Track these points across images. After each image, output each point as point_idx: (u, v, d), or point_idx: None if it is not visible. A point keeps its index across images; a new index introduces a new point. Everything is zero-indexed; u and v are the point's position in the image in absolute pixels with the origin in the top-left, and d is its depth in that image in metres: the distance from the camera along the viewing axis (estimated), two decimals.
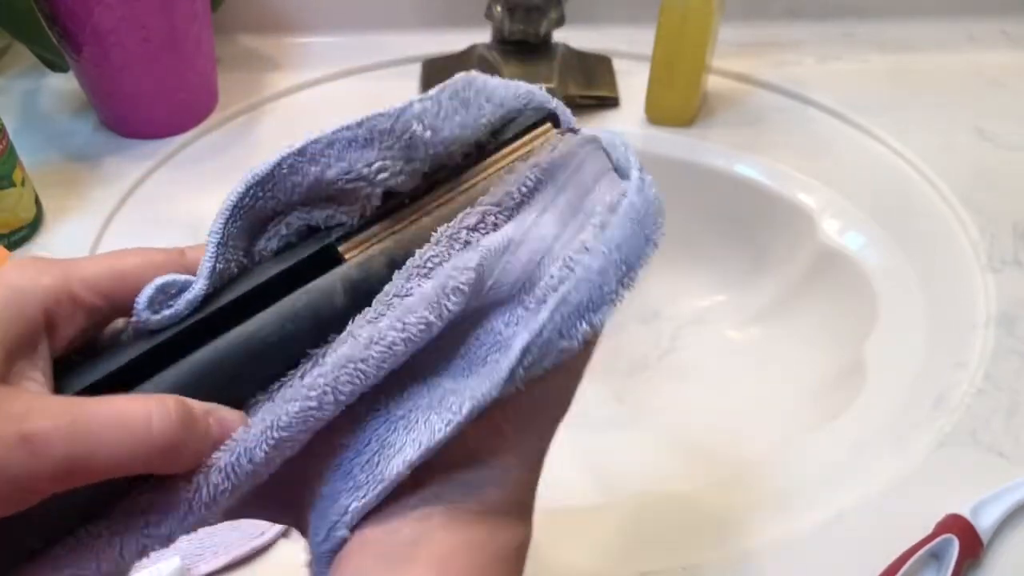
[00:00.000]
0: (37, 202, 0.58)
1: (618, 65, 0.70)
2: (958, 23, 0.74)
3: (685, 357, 0.66)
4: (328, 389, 0.24)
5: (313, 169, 0.27)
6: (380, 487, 0.25)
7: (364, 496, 0.25)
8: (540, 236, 0.27)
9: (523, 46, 0.64)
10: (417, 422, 0.25)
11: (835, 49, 0.72)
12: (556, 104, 0.30)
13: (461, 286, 0.25)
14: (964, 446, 0.46)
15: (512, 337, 0.25)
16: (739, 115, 0.67)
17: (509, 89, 0.29)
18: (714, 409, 0.62)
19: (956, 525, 0.41)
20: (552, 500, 0.57)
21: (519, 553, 0.28)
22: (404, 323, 0.24)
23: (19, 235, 0.56)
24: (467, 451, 0.27)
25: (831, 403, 0.53)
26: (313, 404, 0.24)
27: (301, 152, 0.27)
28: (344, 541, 0.26)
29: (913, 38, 0.73)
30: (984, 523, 0.42)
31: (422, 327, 0.24)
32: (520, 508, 0.29)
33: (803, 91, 0.68)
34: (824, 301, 0.61)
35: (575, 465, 0.60)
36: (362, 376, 0.24)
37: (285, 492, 0.26)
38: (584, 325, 0.25)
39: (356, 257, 0.27)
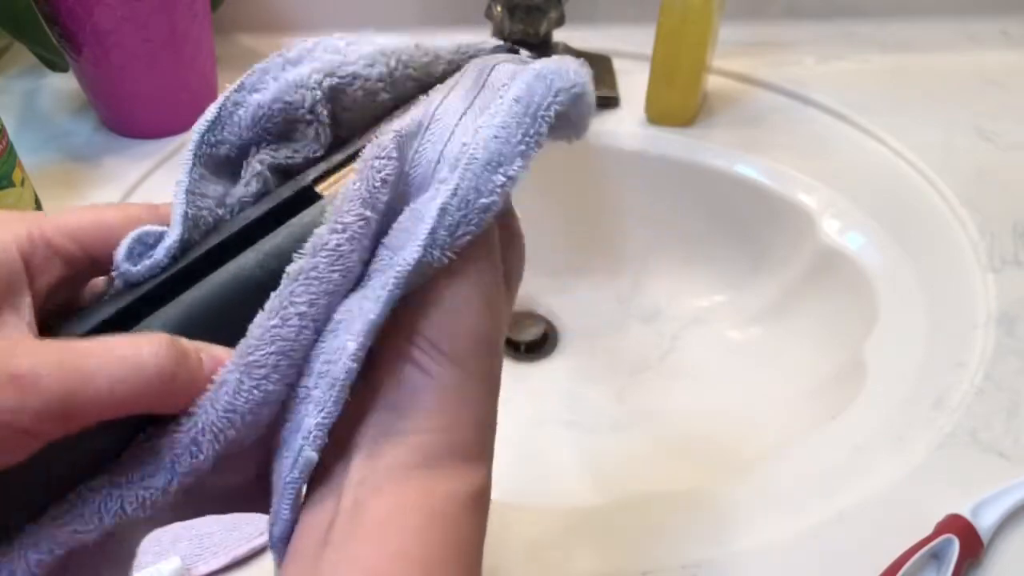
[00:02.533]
0: (37, 202, 0.58)
1: (618, 65, 0.70)
2: (958, 23, 0.74)
3: (685, 357, 0.66)
4: (286, 303, 0.24)
5: (255, 96, 0.28)
6: (335, 392, 0.24)
7: (322, 409, 0.24)
8: (448, 111, 0.27)
9: (523, 46, 0.64)
10: (353, 317, 0.25)
11: (835, 49, 0.72)
12: (508, 45, 0.30)
13: (387, 176, 0.25)
14: (964, 446, 0.46)
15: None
16: (739, 115, 0.67)
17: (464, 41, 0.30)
18: (714, 409, 0.62)
19: (956, 525, 0.41)
20: (552, 500, 0.57)
21: (470, 503, 0.26)
22: (343, 223, 0.24)
23: None
24: (384, 398, 0.26)
25: (831, 403, 0.53)
26: (275, 322, 0.24)
27: (240, 87, 0.28)
28: (312, 463, 0.24)
29: (913, 38, 0.73)
30: (984, 523, 0.42)
31: (361, 223, 0.24)
32: (465, 451, 0.26)
33: (803, 91, 0.68)
34: (824, 301, 0.61)
35: (575, 465, 0.60)
36: (316, 283, 0.24)
37: (262, 453, 0.26)
38: (499, 177, 0.25)
39: (331, 190, 0.27)
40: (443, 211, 0.25)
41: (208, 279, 0.26)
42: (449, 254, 0.25)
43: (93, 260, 0.26)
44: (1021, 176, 0.62)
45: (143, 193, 0.61)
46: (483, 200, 0.25)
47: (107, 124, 0.65)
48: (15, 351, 0.21)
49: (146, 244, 0.26)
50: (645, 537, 0.44)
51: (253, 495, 0.26)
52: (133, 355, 0.22)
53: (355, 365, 0.24)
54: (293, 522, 0.25)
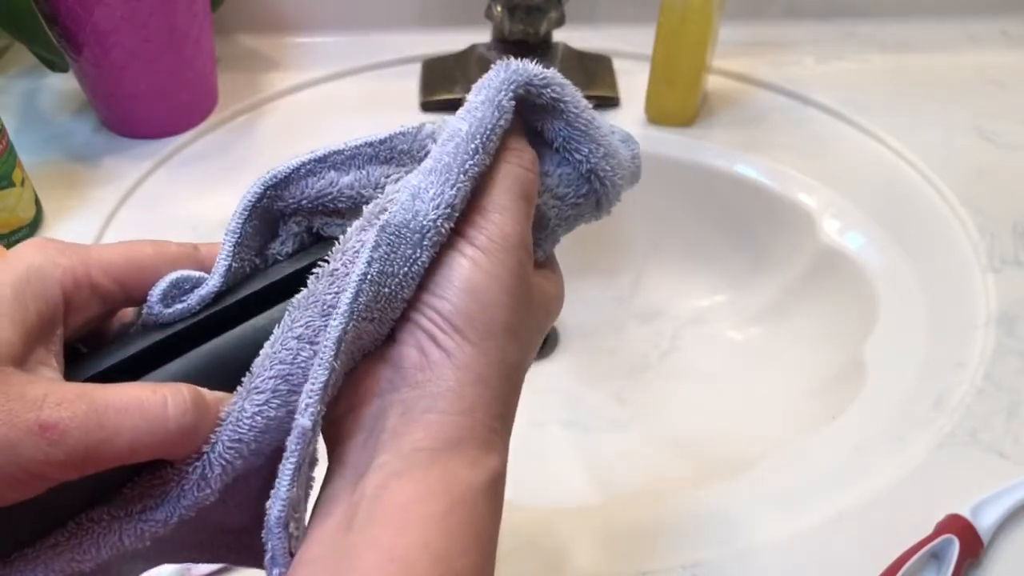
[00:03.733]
0: (37, 202, 0.58)
1: (618, 65, 0.70)
2: (958, 23, 0.74)
3: (685, 357, 0.66)
4: (286, 330, 0.25)
5: (331, 174, 0.28)
6: (324, 366, 0.24)
7: (314, 382, 0.24)
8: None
9: (523, 46, 0.64)
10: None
11: (835, 49, 0.72)
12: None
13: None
14: (964, 446, 0.46)
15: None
16: (739, 115, 0.67)
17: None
18: (714, 409, 0.62)
19: (956, 525, 0.41)
20: (552, 500, 0.57)
21: (489, 490, 0.26)
22: (343, 249, 0.26)
23: (19, 235, 0.56)
24: (403, 375, 0.26)
25: (831, 403, 0.53)
26: (275, 348, 0.25)
27: (322, 160, 0.28)
28: (306, 432, 0.24)
29: (913, 38, 0.73)
30: (984, 523, 0.42)
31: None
32: (485, 437, 0.26)
33: (803, 91, 0.68)
34: (824, 301, 0.61)
35: (576, 465, 0.60)
36: (313, 306, 0.25)
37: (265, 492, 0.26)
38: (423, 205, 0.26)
39: None
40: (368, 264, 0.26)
41: (232, 331, 0.26)
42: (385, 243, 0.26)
43: (127, 295, 0.27)
44: (1021, 176, 0.62)
45: (143, 193, 0.61)
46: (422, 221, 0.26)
47: (107, 124, 0.65)
48: (46, 400, 0.22)
49: (182, 289, 0.27)
50: (645, 537, 0.44)
51: (255, 544, 0.26)
52: (159, 409, 0.23)
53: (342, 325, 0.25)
54: (292, 503, 0.24)
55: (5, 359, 0.23)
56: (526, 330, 0.28)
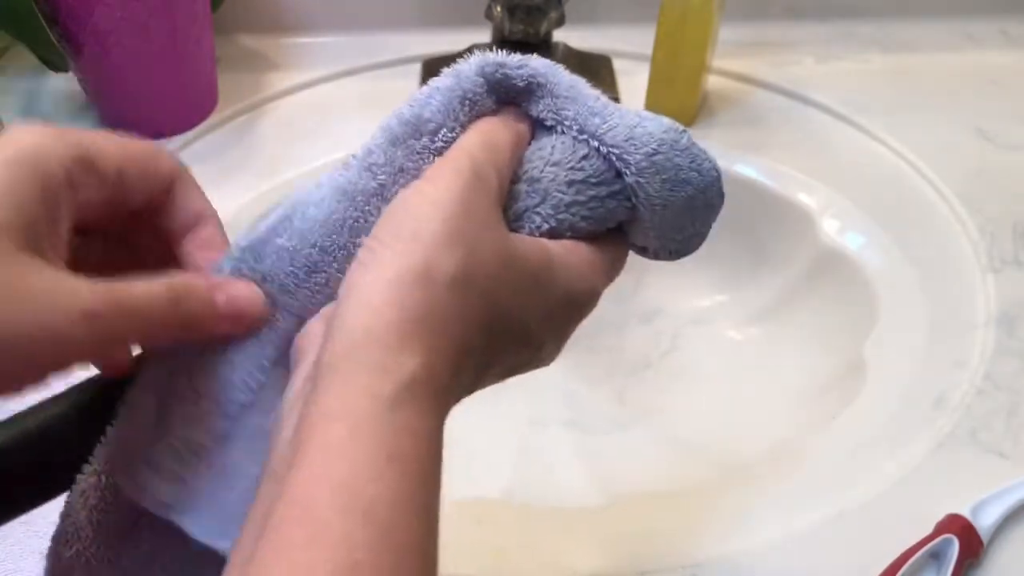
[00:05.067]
0: None
1: (618, 65, 0.70)
2: (958, 23, 0.74)
3: (685, 357, 0.66)
4: None
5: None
6: None
7: None
8: None
9: (523, 46, 0.64)
10: None
11: (835, 49, 0.72)
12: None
13: None
14: (964, 446, 0.46)
15: None
16: (739, 115, 0.67)
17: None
18: (714, 409, 0.62)
19: (956, 525, 0.41)
20: (552, 500, 0.57)
21: (403, 398, 0.24)
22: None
23: None
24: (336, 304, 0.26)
25: (831, 403, 0.53)
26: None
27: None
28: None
29: (913, 38, 0.73)
30: (984, 523, 0.42)
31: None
32: (395, 336, 0.24)
33: (803, 91, 0.68)
34: (824, 301, 0.61)
35: (576, 465, 0.60)
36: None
37: None
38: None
39: None
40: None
41: None
42: None
43: (123, 184, 0.27)
44: (1021, 176, 0.62)
45: None
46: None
47: (107, 124, 0.65)
48: (80, 291, 0.23)
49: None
50: (645, 537, 0.44)
51: None
52: (167, 298, 0.25)
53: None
54: None
55: (20, 244, 0.23)
56: (475, 247, 0.26)
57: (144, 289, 0.25)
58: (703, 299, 0.68)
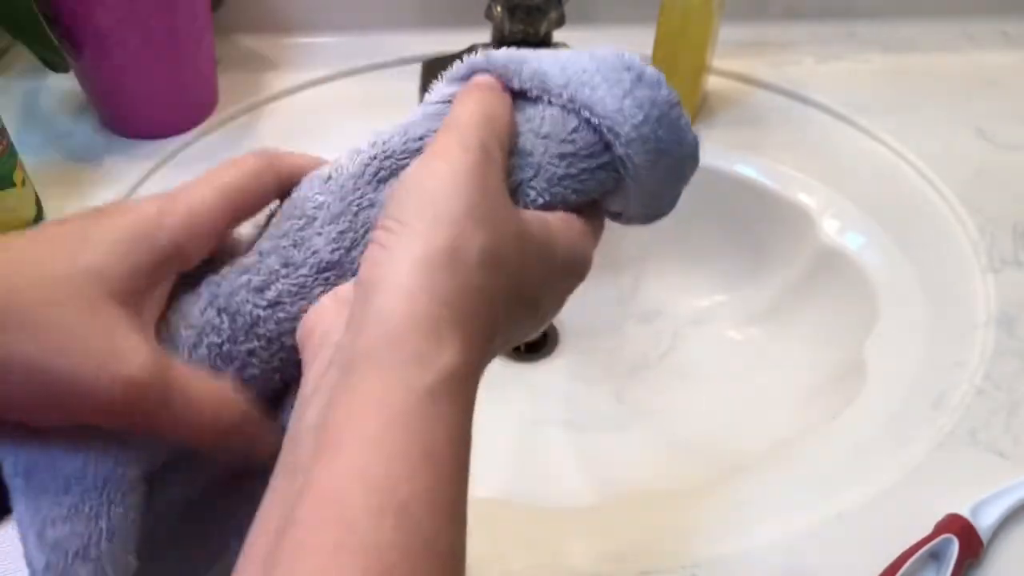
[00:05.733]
0: (37, 202, 0.58)
1: None
2: (958, 23, 0.74)
3: (685, 357, 0.66)
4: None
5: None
6: None
7: None
8: None
9: (523, 46, 0.64)
10: None
11: (835, 49, 0.72)
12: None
13: None
14: (964, 446, 0.46)
15: None
16: (739, 115, 0.67)
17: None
18: (714, 409, 0.62)
19: (956, 525, 0.41)
20: (552, 500, 0.57)
21: (441, 392, 0.23)
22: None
23: None
24: (355, 288, 0.25)
25: (831, 403, 0.53)
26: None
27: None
28: None
29: (913, 38, 0.73)
30: (984, 523, 0.42)
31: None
32: (431, 324, 0.23)
33: (803, 91, 0.68)
34: (824, 301, 0.61)
35: (576, 465, 0.60)
36: None
37: None
38: None
39: None
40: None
41: None
42: None
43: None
44: (1021, 176, 0.62)
45: (144, 193, 0.61)
46: None
47: (107, 124, 0.65)
48: (137, 357, 0.24)
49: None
50: (645, 537, 0.44)
51: None
52: (208, 414, 0.26)
53: None
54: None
55: (110, 295, 0.25)
56: (496, 225, 0.26)
57: (190, 381, 0.26)
58: (703, 299, 0.68)
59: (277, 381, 0.28)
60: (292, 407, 0.26)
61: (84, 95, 0.65)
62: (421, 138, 0.29)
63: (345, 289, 0.27)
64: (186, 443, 0.27)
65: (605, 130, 0.29)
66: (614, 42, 0.70)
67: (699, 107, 0.66)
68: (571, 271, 0.30)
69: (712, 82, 0.68)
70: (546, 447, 0.61)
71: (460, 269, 0.24)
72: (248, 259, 0.28)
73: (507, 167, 0.29)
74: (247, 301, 0.27)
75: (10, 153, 0.54)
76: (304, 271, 0.27)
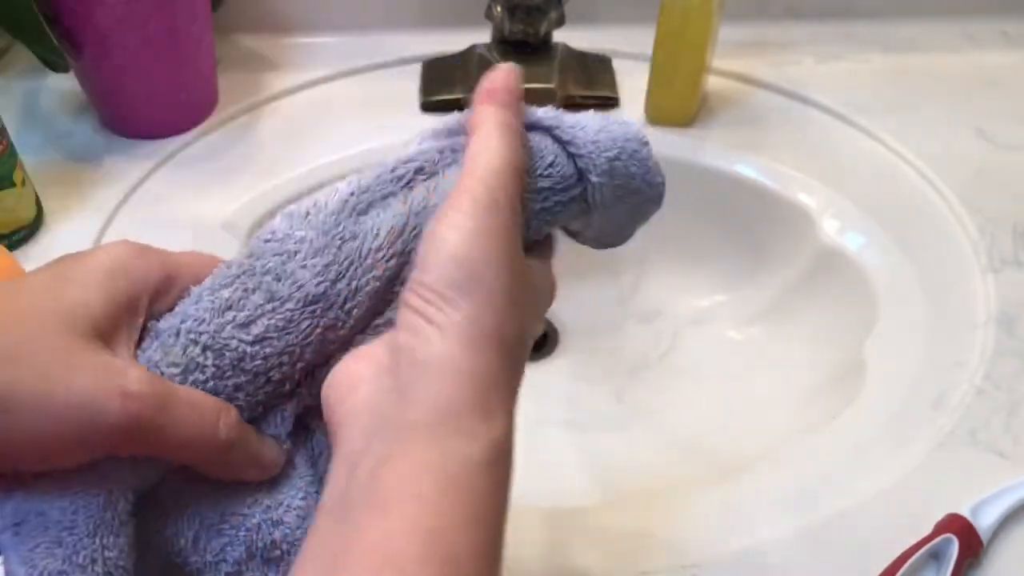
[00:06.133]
0: (37, 202, 0.58)
1: (618, 65, 0.70)
2: (958, 23, 0.74)
3: (685, 357, 0.66)
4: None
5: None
6: None
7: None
8: None
9: (523, 46, 0.64)
10: None
11: (835, 49, 0.72)
12: None
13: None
14: (964, 446, 0.46)
15: None
16: (739, 115, 0.67)
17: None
18: (714, 408, 0.62)
19: (956, 525, 0.41)
20: (552, 500, 0.57)
21: (490, 463, 0.24)
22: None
23: (19, 235, 0.56)
24: (395, 355, 0.26)
25: (830, 403, 0.53)
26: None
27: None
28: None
29: (913, 38, 0.73)
30: (984, 523, 0.42)
31: None
32: (483, 402, 0.25)
33: (803, 91, 0.68)
34: (824, 301, 0.61)
35: (576, 465, 0.60)
36: None
37: None
38: None
39: None
40: None
41: None
42: None
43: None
44: (1021, 176, 0.62)
45: (144, 193, 0.61)
46: None
47: (108, 124, 0.65)
48: (129, 374, 0.25)
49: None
50: (645, 537, 0.44)
51: None
52: (213, 418, 0.27)
53: None
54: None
55: (93, 330, 0.26)
56: (523, 297, 0.27)
57: (191, 394, 0.27)
58: (702, 299, 0.68)
59: (259, 412, 0.29)
60: (275, 426, 0.28)
61: (84, 95, 0.65)
62: (393, 170, 0.30)
63: (377, 352, 0.27)
64: (185, 460, 0.27)
65: (579, 160, 0.30)
66: (614, 42, 0.71)
67: (699, 107, 0.66)
68: (546, 300, 0.32)
69: (712, 82, 0.68)
70: (546, 447, 0.61)
71: (505, 351, 0.26)
72: (228, 294, 0.28)
73: None
74: (233, 337, 0.27)
75: (10, 153, 0.54)
76: (291, 305, 0.28)
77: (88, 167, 0.62)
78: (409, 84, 0.68)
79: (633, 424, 0.63)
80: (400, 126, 0.65)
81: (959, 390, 0.49)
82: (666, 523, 0.44)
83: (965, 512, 0.42)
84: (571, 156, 0.30)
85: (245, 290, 0.28)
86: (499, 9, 0.63)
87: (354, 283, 0.28)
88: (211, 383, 0.27)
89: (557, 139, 0.31)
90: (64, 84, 0.68)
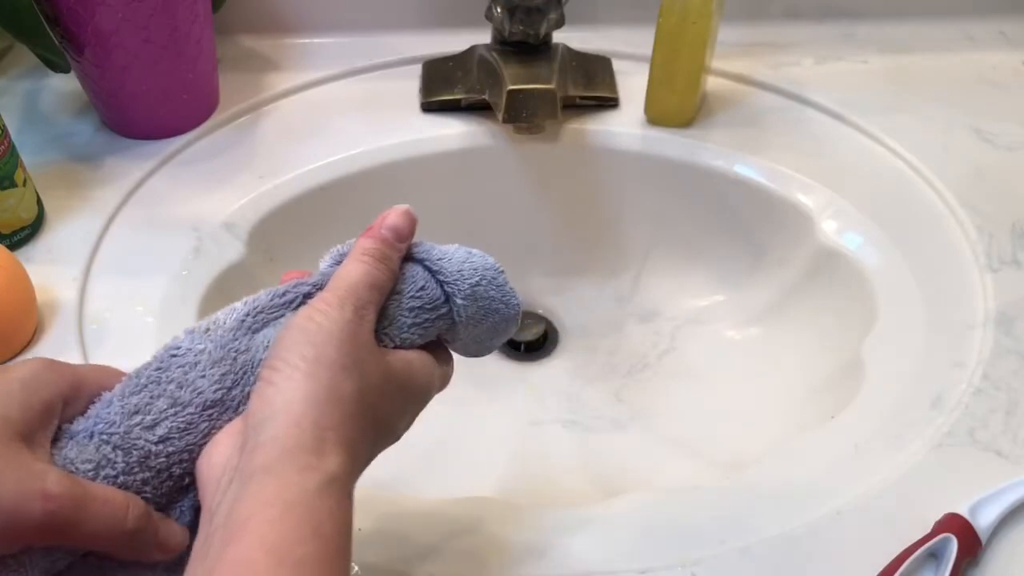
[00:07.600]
0: (39, 202, 0.58)
1: (618, 65, 0.70)
2: (957, 24, 0.74)
3: (684, 357, 0.66)
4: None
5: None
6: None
7: None
8: None
9: (523, 47, 0.64)
10: None
11: (834, 50, 0.73)
12: None
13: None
14: (962, 446, 0.46)
15: None
16: (739, 116, 0.67)
17: None
18: (713, 408, 0.62)
19: (954, 524, 0.42)
20: (552, 499, 0.57)
21: (325, 490, 0.29)
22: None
23: (21, 235, 0.56)
24: (246, 419, 0.31)
25: (830, 402, 0.53)
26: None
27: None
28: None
29: (912, 39, 0.74)
30: (983, 522, 0.42)
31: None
32: (316, 442, 0.29)
33: (802, 92, 0.68)
34: (823, 301, 0.61)
35: (576, 464, 0.60)
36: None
37: None
38: None
39: None
40: None
41: None
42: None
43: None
44: (1020, 176, 0.62)
45: (144, 193, 0.61)
46: None
47: (108, 125, 0.65)
48: (48, 476, 0.29)
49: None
50: (645, 536, 0.44)
51: None
52: (121, 512, 0.30)
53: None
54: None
55: (14, 435, 0.29)
56: (364, 371, 0.32)
57: (103, 491, 0.30)
58: (702, 299, 0.68)
59: (164, 502, 0.32)
60: (180, 513, 0.32)
61: (85, 95, 0.65)
62: (284, 294, 0.35)
63: (235, 424, 0.32)
64: (97, 546, 0.30)
65: (445, 286, 0.37)
66: (614, 43, 0.71)
67: (698, 108, 0.66)
68: (422, 396, 0.37)
69: (712, 82, 0.69)
70: (546, 447, 0.61)
71: (338, 404, 0.30)
72: (136, 400, 0.32)
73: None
74: (139, 437, 0.31)
75: (11, 153, 0.54)
76: (191, 410, 0.32)
77: (89, 167, 0.62)
78: (409, 84, 0.69)
79: (632, 423, 0.63)
80: (400, 126, 0.66)
81: (957, 390, 0.49)
82: (666, 523, 0.44)
83: (964, 511, 0.42)
84: (440, 282, 0.37)
85: (152, 396, 0.32)
86: (499, 10, 0.63)
87: (247, 389, 0.32)
88: (121, 478, 0.31)
89: (428, 268, 0.37)
90: (65, 84, 0.68)
